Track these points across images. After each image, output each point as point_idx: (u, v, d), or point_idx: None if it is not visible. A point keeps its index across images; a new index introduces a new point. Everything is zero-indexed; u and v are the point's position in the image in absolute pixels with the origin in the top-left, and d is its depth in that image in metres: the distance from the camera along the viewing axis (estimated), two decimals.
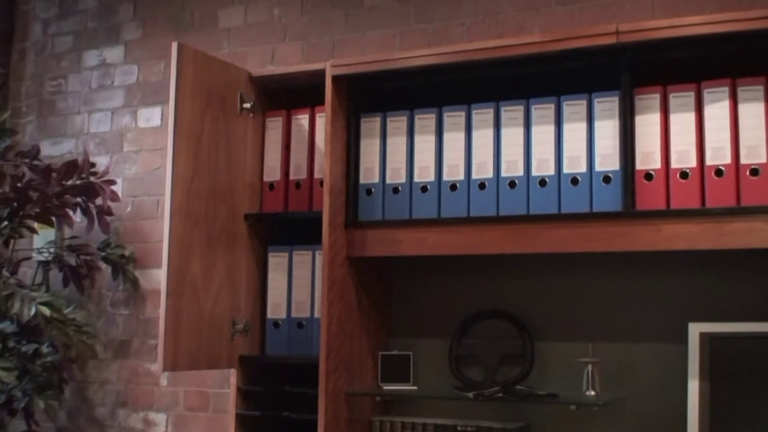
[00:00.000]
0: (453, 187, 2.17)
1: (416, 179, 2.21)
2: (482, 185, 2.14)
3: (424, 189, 2.20)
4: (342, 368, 2.24)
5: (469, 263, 2.34)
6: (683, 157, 1.97)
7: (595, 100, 2.06)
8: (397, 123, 2.25)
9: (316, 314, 2.30)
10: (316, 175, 2.36)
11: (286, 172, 2.40)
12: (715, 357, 2.00)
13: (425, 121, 2.22)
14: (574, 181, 2.06)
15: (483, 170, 2.14)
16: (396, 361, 2.35)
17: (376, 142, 2.27)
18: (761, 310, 2.06)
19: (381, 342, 2.41)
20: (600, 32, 2.01)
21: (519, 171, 2.11)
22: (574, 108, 2.08)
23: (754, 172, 1.91)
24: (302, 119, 2.40)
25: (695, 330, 2.02)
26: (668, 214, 1.95)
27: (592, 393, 2.11)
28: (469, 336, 2.33)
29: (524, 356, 2.26)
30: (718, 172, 1.93)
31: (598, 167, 2.04)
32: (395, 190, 2.23)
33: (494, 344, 2.29)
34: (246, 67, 2.48)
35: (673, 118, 2.00)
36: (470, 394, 2.14)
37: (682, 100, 2.00)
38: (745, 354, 1.99)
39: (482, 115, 2.16)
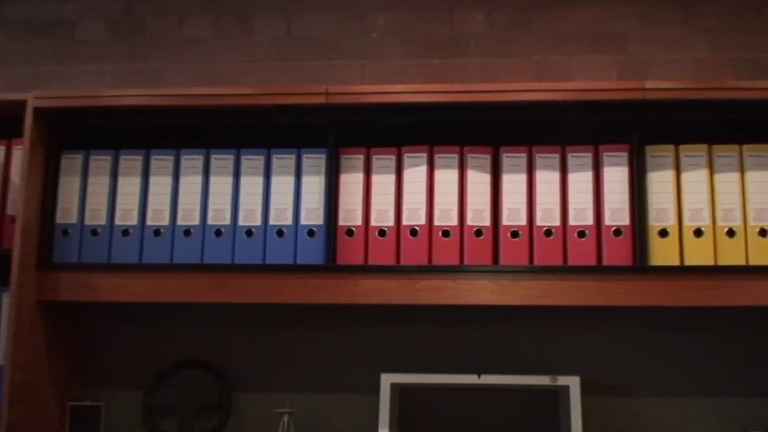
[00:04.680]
0: (157, 232, 2.11)
1: (117, 222, 2.13)
2: (188, 232, 2.11)
3: (125, 233, 2.12)
4: (26, 420, 2.08)
5: (171, 311, 2.28)
6: (383, 216, 2.07)
7: (304, 156, 2.12)
8: (101, 162, 2.16)
9: None
10: (9, 212, 2.19)
11: None
12: (404, 406, 2.10)
13: (131, 162, 2.16)
14: (280, 233, 2.09)
15: (189, 217, 2.11)
16: (86, 412, 2.23)
17: (77, 180, 2.16)
18: (447, 362, 2.21)
19: (71, 392, 2.27)
20: (310, 92, 2.08)
21: (226, 220, 2.10)
22: (283, 162, 2.12)
23: (446, 233, 2.05)
24: None
25: (387, 381, 2.12)
26: (366, 269, 2.04)
27: None
28: (165, 386, 2.26)
29: (221, 407, 2.23)
30: (413, 232, 2.05)
31: (304, 221, 2.09)
32: (94, 232, 2.13)
33: (191, 395, 2.25)
34: None
35: (376, 178, 2.10)
36: None
37: (384, 162, 2.11)
38: (431, 403, 2.11)
39: (191, 161, 2.14)
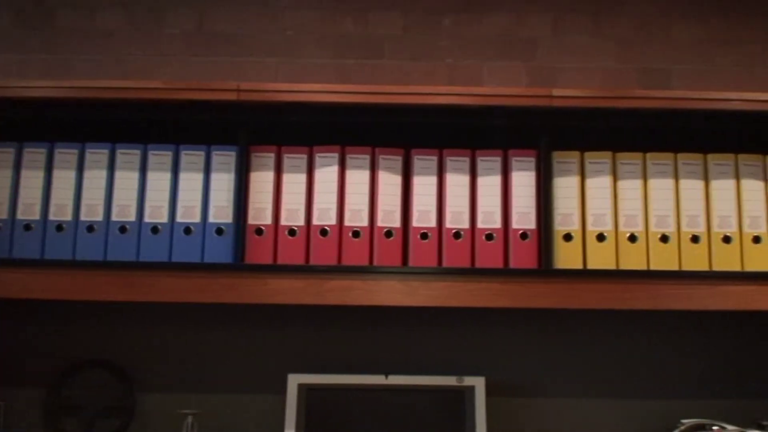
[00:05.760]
0: (59, 227, 2.06)
1: (20, 216, 2.06)
2: (91, 228, 2.06)
3: (27, 227, 2.06)
4: None
5: (75, 309, 2.23)
6: (293, 215, 2.06)
7: (214, 153, 2.10)
8: (4, 155, 2.07)
9: None
10: None
11: None
12: (311, 407, 2.10)
13: (34, 155, 2.09)
14: (188, 230, 2.06)
15: (93, 212, 2.06)
16: None
17: None
18: (355, 362, 2.22)
19: None
20: (222, 88, 2.06)
21: (131, 216, 2.06)
22: (191, 158, 2.09)
23: (356, 234, 2.05)
24: None
25: (294, 381, 2.11)
26: (275, 269, 2.02)
27: None
28: (68, 386, 2.21)
29: (125, 407, 2.19)
30: (324, 232, 2.05)
31: (212, 219, 2.06)
32: None
33: (94, 395, 2.21)
34: None
35: (286, 177, 2.09)
36: None
37: (295, 161, 2.10)
38: (339, 404, 2.11)
39: (96, 155, 2.09)
